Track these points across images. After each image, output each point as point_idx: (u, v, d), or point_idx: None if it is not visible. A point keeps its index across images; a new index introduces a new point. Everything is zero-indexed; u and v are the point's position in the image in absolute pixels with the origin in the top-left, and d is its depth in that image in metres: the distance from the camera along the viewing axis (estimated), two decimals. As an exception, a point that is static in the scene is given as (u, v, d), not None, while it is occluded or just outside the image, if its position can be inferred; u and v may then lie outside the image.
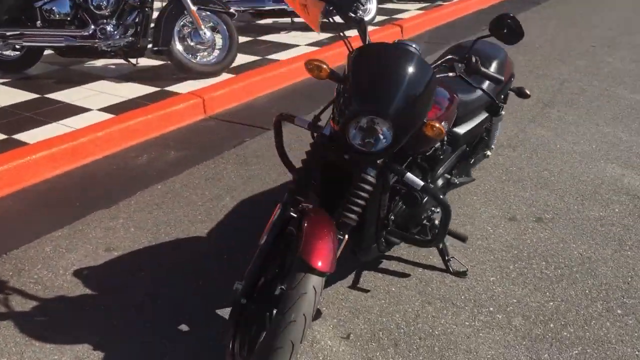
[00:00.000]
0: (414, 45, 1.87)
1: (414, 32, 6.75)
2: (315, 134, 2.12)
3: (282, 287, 1.94)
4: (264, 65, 5.14)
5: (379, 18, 6.85)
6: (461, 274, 2.58)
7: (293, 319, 1.68)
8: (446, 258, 2.60)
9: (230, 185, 3.40)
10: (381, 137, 1.85)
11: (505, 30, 1.96)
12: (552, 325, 2.27)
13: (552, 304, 2.38)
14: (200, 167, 3.63)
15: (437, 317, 2.33)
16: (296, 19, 6.91)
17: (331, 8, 2.11)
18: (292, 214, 1.93)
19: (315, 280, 1.74)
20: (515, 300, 2.41)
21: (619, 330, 2.23)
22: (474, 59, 2.03)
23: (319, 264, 1.74)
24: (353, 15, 2.00)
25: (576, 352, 2.14)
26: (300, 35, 6.35)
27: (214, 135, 4.09)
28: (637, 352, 2.13)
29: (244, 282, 1.93)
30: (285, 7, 6.32)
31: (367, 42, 1.98)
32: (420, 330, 2.26)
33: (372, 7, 6.74)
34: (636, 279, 2.51)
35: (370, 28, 6.30)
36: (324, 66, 1.90)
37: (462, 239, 2.48)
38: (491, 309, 2.37)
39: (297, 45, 5.96)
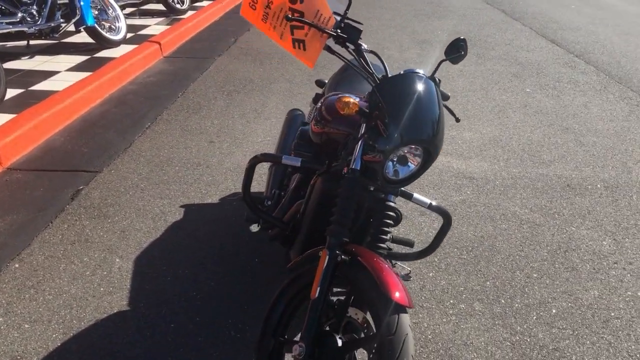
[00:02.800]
0: (422, 72, 1.96)
1: (171, 48, 6.55)
2: (322, 172, 2.04)
3: (341, 337, 1.87)
4: (46, 99, 4.42)
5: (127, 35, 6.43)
6: (407, 277, 2.76)
7: (409, 369, 1.66)
8: (392, 263, 2.75)
9: (107, 244, 2.93)
10: (411, 164, 1.91)
11: (462, 52, 2.19)
12: (503, 301, 2.63)
13: (488, 283, 2.75)
14: (50, 231, 3.02)
15: (419, 322, 2.48)
16: (32, 42, 6.04)
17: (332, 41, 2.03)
18: (343, 257, 1.84)
19: (408, 319, 1.73)
20: (462, 288, 2.70)
21: (547, 290, 2.71)
22: (437, 80, 2.22)
23: (405, 300, 1.73)
24: (359, 46, 1.98)
25: (534, 317, 2.53)
26: (51, 60, 5.60)
27: (35, 190, 3.42)
28: (570, 304, 2.63)
29: (305, 344, 1.79)
30: (25, 29, 5.47)
31: (386, 72, 1.98)
32: (415, 339, 2.38)
33: (122, 25, 6.31)
34: (526, 244, 3.05)
35: (128, 47, 5.92)
36: (352, 100, 1.86)
37: (410, 244, 2.66)
38: (452, 301, 2.62)
39: (57, 72, 5.25)
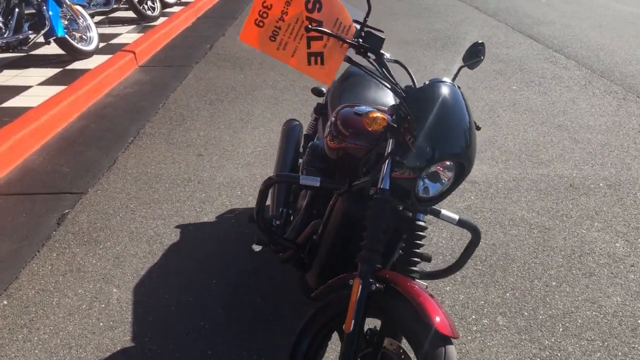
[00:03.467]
0: (449, 81, 1.83)
1: (146, 57, 6.32)
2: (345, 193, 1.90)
3: (377, 370, 1.73)
4: (20, 117, 4.18)
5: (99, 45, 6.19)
6: (424, 293, 2.63)
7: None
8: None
9: (102, 273, 2.74)
10: (443, 180, 1.78)
11: (482, 57, 2.06)
12: (526, 313, 2.52)
13: (508, 294, 2.64)
14: (38, 262, 2.81)
15: (443, 341, 2.35)
16: (0, 55, 5.75)
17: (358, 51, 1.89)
18: (377, 285, 1.70)
19: (454, 351, 1.61)
20: (482, 302, 2.59)
21: (569, 298, 2.62)
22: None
23: (450, 331, 1.61)
24: (381, 56, 1.83)
25: (561, 329, 2.44)
26: (21, 74, 5.33)
27: (17, 216, 3.20)
28: (595, 313, 2.54)
29: (342, 381, 1.65)
30: (-9, 42, 5.19)
31: (413, 82, 1.84)
32: (443, 360, 2.25)
33: (94, 35, 6.07)
34: (539, 251, 2.96)
35: (102, 57, 5.69)
36: (380, 115, 1.72)
37: (427, 259, 2.54)
38: (474, 316, 2.51)
39: (29, 86, 4.99)
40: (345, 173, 2.09)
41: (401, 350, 1.77)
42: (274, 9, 1.74)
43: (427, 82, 1.81)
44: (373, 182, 1.82)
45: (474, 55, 2.03)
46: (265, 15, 1.76)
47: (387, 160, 1.77)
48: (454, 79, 2.02)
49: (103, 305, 2.52)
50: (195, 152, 4.03)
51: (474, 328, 2.43)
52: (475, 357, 2.27)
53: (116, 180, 3.60)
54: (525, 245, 3.00)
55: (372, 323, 2.16)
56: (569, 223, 3.21)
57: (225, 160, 3.90)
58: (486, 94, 5.31)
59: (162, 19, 7.73)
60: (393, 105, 1.83)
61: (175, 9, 8.51)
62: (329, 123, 2.16)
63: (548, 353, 2.31)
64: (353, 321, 1.68)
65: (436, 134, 1.69)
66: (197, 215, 3.23)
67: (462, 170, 1.76)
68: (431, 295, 1.69)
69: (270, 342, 2.34)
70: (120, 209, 3.28)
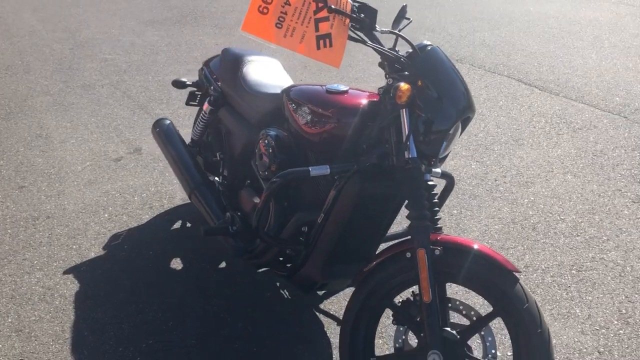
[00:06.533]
0: (431, 44, 1.91)
1: None
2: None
3: (448, 329, 1.81)
4: None
5: None
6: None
7: (549, 326, 1.72)
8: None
9: (14, 355, 2.20)
10: (450, 135, 1.89)
11: (410, 19, 2.19)
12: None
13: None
14: None
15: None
16: None
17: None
18: (439, 250, 1.76)
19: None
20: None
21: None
22: None
23: (515, 267, 1.77)
24: (375, 29, 1.81)
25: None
26: None
27: None
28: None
29: (439, 351, 1.72)
30: None
31: (415, 50, 1.84)
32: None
33: None
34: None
35: None
36: (408, 87, 1.73)
37: None
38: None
39: None
40: (327, 155, 2.02)
41: (457, 302, 1.86)
42: (278, -7, 1.59)
43: (410, 50, 1.86)
44: (390, 153, 1.82)
45: (402, 19, 2.11)
46: (269, 1, 1.59)
47: (410, 131, 1.79)
48: (394, 45, 2.07)
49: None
50: (13, 185, 3.34)
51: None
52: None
53: None
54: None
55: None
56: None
57: (59, 185, 3.33)
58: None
59: None
60: (393, 75, 1.84)
61: None
62: (297, 110, 2.05)
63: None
64: (430, 290, 1.71)
65: (449, 95, 1.79)
66: (80, 253, 2.75)
67: (467, 122, 1.89)
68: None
69: (273, 348, 2.21)
70: (-27, 275, 2.60)
